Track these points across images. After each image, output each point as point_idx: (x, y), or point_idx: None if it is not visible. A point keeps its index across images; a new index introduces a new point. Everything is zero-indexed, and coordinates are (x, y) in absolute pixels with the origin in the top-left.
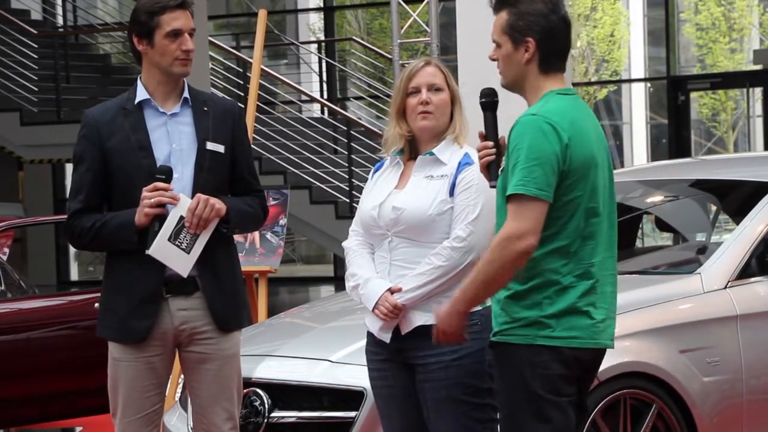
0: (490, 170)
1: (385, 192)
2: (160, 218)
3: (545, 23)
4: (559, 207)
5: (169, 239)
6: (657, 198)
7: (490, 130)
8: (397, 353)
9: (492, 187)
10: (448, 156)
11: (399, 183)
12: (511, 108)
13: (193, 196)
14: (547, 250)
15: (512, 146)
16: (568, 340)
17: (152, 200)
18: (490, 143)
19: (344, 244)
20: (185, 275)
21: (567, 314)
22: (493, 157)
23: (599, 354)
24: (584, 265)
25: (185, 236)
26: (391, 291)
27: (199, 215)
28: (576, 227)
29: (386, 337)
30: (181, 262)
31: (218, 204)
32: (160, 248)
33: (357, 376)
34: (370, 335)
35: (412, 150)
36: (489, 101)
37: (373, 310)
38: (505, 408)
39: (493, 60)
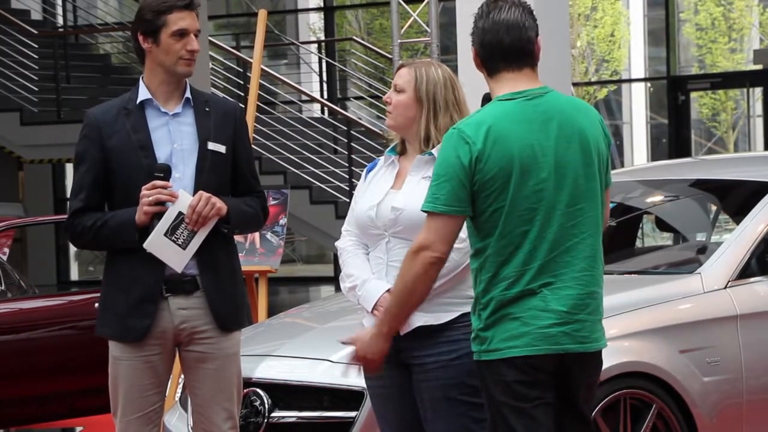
0: None
1: (381, 192)
2: (160, 216)
3: (476, 29)
4: (487, 218)
5: (165, 234)
6: (657, 198)
7: None
8: (394, 353)
9: None
10: None
11: (395, 183)
12: None
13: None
14: (481, 261)
15: None
16: (503, 351)
17: (150, 198)
18: None
19: (337, 244)
20: (179, 270)
21: (499, 322)
22: None
23: (562, 358)
24: (517, 272)
25: (182, 232)
26: (390, 292)
27: (199, 212)
28: (502, 236)
29: None
30: (175, 257)
31: (219, 203)
32: (156, 242)
33: (357, 376)
34: None
35: (403, 149)
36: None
37: (372, 311)
38: (489, 419)
39: None
